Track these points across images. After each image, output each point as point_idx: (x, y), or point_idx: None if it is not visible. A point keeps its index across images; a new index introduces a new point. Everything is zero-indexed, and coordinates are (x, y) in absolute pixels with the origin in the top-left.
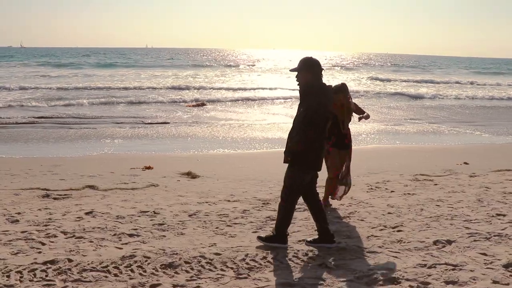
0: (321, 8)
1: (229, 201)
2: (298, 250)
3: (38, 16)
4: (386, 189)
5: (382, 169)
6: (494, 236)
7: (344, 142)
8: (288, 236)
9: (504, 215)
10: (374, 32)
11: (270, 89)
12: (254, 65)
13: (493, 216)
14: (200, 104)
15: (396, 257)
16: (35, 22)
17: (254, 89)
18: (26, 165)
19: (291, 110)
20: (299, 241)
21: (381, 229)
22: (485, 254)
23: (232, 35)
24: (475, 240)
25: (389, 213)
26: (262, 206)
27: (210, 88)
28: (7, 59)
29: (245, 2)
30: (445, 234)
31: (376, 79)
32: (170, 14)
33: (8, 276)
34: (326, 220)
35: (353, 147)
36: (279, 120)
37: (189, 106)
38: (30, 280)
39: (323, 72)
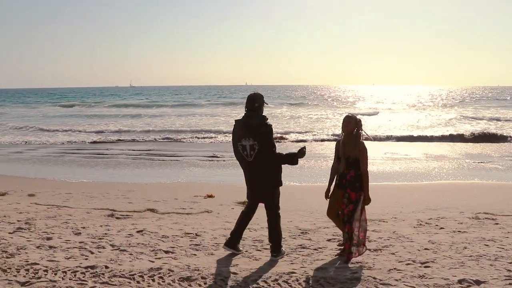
0: (425, 42)
1: None
2: (312, 277)
3: (145, 58)
4: (436, 225)
5: (443, 206)
6: None
7: (341, 181)
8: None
9: None
10: (486, 65)
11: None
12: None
13: None
14: (279, 138)
15: None
16: (142, 63)
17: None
18: (106, 189)
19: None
20: (318, 268)
21: (408, 264)
22: None
23: (332, 71)
24: (511, 284)
25: (425, 249)
26: (299, 235)
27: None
28: (113, 97)
29: (344, 38)
30: (478, 274)
31: (474, 118)
32: (268, 54)
33: (55, 274)
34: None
35: (421, 182)
36: None
37: None
38: (69, 279)
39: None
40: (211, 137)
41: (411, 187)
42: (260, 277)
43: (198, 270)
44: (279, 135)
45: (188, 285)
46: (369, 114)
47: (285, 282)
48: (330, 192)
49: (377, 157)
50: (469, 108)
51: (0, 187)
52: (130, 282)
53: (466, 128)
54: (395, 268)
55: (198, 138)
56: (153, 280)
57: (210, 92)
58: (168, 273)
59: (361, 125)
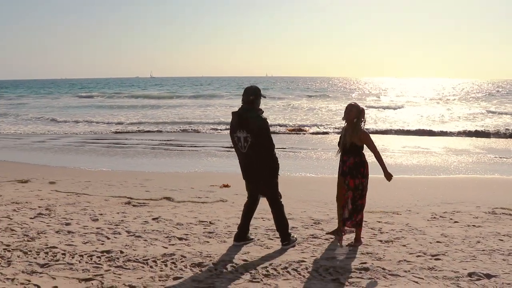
0: (448, 34)
1: None
2: (321, 266)
3: (166, 49)
4: (451, 219)
5: (459, 200)
6: None
7: (342, 168)
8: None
9: None
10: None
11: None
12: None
13: None
14: (298, 129)
15: (416, 282)
16: (163, 54)
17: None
18: (124, 178)
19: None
20: (328, 258)
21: (418, 256)
22: None
23: (355, 63)
24: None
25: (438, 242)
26: (311, 225)
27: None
28: (134, 88)
29: (368, 31)
30: (489, 268)
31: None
32: (291, 45)
33: (73, 257)
34: (247, 225)
35: (439, 176)
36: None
37: (289, 130)
38: (86, 262)
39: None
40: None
41: (429, 180)
42: (270, 265)
43: (210, 256)
44: (297, 127)
45: (199, 270)
46: (390, 108)
47: (295, 270)
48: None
49: (396, 150)
50: (494, 102)
51: (23, 174)
52: (143, 267)
53: (489, 123)
54: (405, 260)
55: (217, 129)
56: (166, 265)
57: (230, 83)
58: (180, 259)
59: (364, 114)
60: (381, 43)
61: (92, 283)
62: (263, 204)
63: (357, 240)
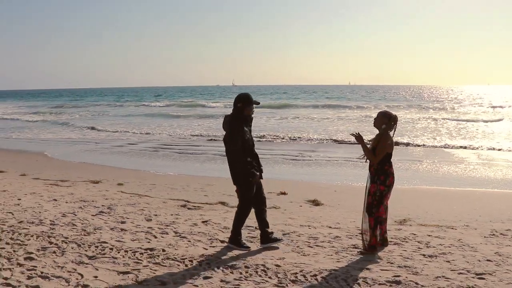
0: None
1: (330, 227)
2: (351, 276)
3: (248, 57)
4: None
5: None
6: None
7: (370, 174)
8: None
9: None
10: None
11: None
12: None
13: None
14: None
15: None
16: (245, 62)
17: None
18: (187, 182)
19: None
20: (361, 268)
21: (460, 273)
22: None
23: (440, 71)
24: None
25: (488, 260)
26: (356, 235)
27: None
28: (213, 96)
29: (454, 40)
30: None
31: None
32: (373, 53)
33: (118, 252)
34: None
35: None
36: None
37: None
38: (129, 257)
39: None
40: (302, 138)
41: (500, 195)
42: (300, 271)
43: (245, 260)
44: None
45: (230, 272)
46: (482, 120)
47: (323, 278)
48: None
49: (473, 163)
50: None
51: (96, 175)
52: (179, 265)
53: None
54: (443, 276)
55: (290, 138)
56: (200, 265)
57: (307, 91)
58: (215, 260)
59: (394, 121)
60: (468, 50)
61: (128, 276)
62: (313, 212)
63: (365, 248)
